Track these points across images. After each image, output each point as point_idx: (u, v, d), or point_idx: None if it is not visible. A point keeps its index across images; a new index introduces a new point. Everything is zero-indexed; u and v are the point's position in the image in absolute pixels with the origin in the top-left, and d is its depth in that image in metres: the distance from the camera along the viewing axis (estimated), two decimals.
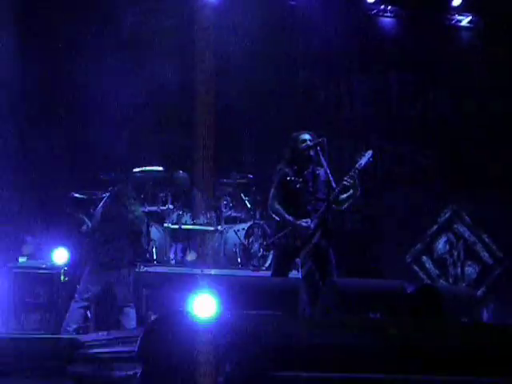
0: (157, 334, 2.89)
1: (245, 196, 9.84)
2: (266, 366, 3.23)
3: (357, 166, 6.56)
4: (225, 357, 3.29)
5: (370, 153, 6.62)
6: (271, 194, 6.99)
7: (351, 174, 6.56)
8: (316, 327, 3.48)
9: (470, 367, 3.59)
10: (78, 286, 8.41)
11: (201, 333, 3.29)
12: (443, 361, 3.59)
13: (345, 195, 6.63)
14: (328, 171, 6.69)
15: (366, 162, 6.57)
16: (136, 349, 2.75)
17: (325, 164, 6.76)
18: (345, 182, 6.55)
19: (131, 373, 3.20)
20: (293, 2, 11.73)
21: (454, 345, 3.63)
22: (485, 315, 8.88)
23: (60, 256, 8.79)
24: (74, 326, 8.01)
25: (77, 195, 9.33)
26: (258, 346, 3.33)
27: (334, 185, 6.69)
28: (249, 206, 9.77)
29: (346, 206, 6.70)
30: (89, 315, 8.49)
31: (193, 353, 3.07)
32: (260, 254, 9.37)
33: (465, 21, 12.30)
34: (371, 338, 3.51)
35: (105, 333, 5.31)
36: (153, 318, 7.38)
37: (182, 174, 9.77)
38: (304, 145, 6.86)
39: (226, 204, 9.67)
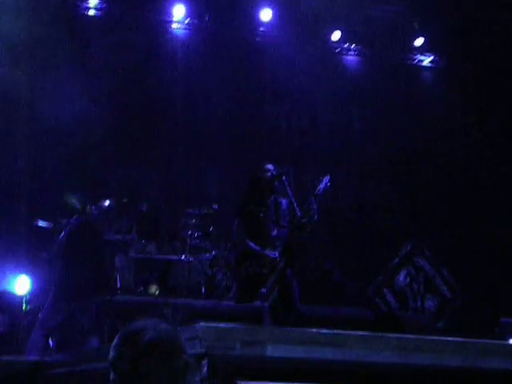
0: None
1: (210, 226, 9.90)
2: (235, 375, 3.31)
3: (316, 191, 6.73)
4: (193, 368, 3.36)
5: (327, 178, 6.81)
6: (236, 223, 7.09)
7: (311, 199, 6.73)
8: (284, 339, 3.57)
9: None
10: (40, 315, 8.32)
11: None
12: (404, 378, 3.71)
13: (305, 219, 6.76)
14: (293, 200, 6.84)
15: (324, 187, 6.76)
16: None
17: (290, 193, 6.91)
18: (310, 211, 6.70)
19: None
20: (258, 39, 11.97)
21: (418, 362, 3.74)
22: None
23: (22, 284, 8.72)
24: (36, 355, 7.90)
25: (41, 223, 9.29)
26: (226, 356, 3.41)
27: (298, 213, 6.82)
28: (213, 236, 9.84)
29: (307, 230, 6.83)
30: (51, 344, 8.39)
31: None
32: (224, 284, 9.42)
33: (426, 61, 12.64)
34: (337, 351, 3.61)
35: (69, 353, 5.29)
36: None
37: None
38: (269, 174, 7.00)
39: (191, 234, 9.71)
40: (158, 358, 2.74)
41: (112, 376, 2.79)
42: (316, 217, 6.71)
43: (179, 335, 2.85)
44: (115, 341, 2.81)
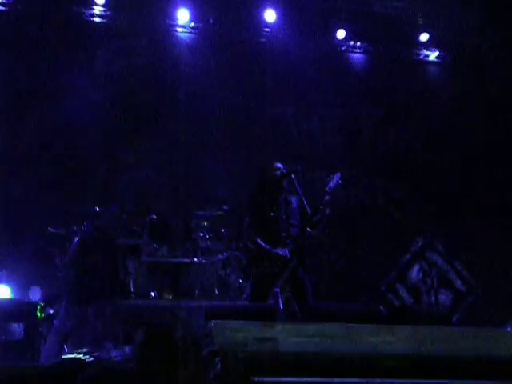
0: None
1: (221, 228, 9.92)
2: (249, 371, 3.32)
3: (326, 188, 6.72)
4: (209, 364, 3.38)
5: (338, 175, 6.80)
6: (246, 223, 7.09)
7: (323, 196, 6.71)
8: (297, 334, 3.58)
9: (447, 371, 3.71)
10: (54, 322, 8.36)
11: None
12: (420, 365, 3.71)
13: (317, 217, 6.75)
14: (303, 198, 6.83)
15: (335, 185, 6.74)
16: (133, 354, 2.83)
17: (299, 191, 6.90)
18: (321, 207, 6.68)
19: None
20: (263, 40, 11.98)
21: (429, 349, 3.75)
22: None
23: (35, 292, 8.78)
24: (52, 361, 7.92)
25: (52, 230, 9.34)
26: (239, 352, 3.42)
27: (309, 211, 6.81)
28: (225, 237, 9.86)
29: (319, 228, 6.81)
30: (66, 350, 8.42)
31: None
32: (237, 285, 9.43)
33: (432, 56, 12.63)
34: (350, 344, 3.61)
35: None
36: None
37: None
38: (278, 172, 7.01)
39: (202, 236, 9.73)
40: (189, 351, 2.81)
41: (140, 369, 2.83)
42: (328, 210, 6.70)
43: (200, 332, 2.92)
44: (145, 337, 2.85)
